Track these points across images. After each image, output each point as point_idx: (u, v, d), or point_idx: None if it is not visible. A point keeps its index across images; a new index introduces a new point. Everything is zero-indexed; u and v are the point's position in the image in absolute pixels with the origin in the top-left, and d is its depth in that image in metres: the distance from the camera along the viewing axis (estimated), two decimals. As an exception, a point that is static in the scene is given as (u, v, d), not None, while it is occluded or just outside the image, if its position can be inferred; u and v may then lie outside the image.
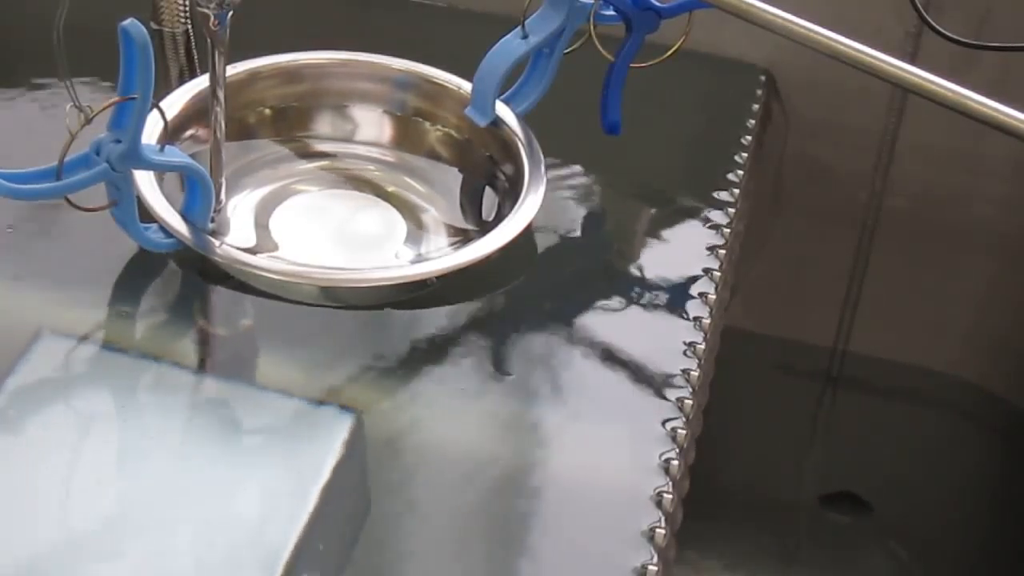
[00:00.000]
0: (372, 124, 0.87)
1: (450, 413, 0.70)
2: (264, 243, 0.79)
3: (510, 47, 0.81)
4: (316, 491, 0.65)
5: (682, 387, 0.73)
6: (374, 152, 0.86)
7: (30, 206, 0.72)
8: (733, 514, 1.11)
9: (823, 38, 0.73)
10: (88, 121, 0.68)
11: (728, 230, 0.84)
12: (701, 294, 0.79)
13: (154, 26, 0.93)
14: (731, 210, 0.86)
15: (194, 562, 0.62)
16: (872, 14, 0.99)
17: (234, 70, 0.81)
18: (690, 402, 0.72)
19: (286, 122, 0.86)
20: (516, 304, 0.77)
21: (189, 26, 0.93)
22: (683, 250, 0.82)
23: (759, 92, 0.99)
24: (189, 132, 0.81)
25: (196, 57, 0.92)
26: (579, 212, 0.84)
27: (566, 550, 0.64)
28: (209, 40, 0.74)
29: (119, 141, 0.69)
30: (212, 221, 0.76)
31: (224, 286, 0.75)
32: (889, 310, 1.14)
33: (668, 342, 0.75)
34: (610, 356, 0.74)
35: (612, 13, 0.82)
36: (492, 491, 0.67)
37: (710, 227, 0.84)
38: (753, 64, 1.01)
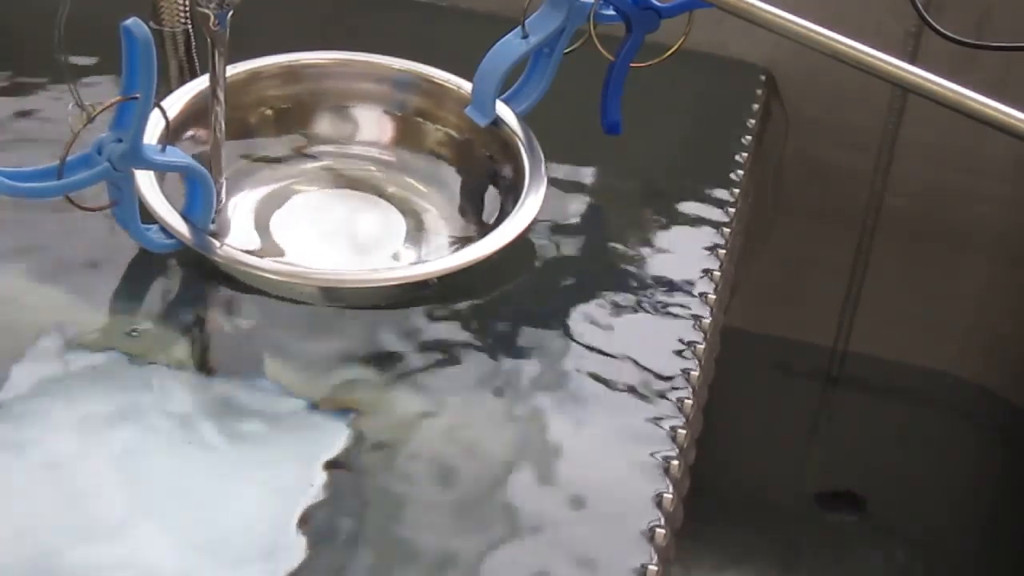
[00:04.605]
0: (372, 124, 0.87)
1: (450, 413, 0.70)
2: (265, 243, 0.79)
3: (510, 47, 0.81)
4: (316, 492, 0.65)
5: (682, 387, 0.73)
6: (374, 152, 0.86)
7: (31, 205, 0.72)
8: (733, 514, 1.11)
9: (823, 38, 0.73)
10: (90, 120, 0.68)
11: (728, 230, 0.84)
12: (701, 294, 0.79)
13: (154, 26, 0.93)
14: (731, 210, 0.86)
15: (192, 564, 0.62)
16: (872, 14, 0.99)
17: (235, 70, 0.81)
18: (690, 402, 0.72)
19: (287, 122, 0.86)
20: (516, 304, 0.77)
21: (189, 26, 0.93)
22: (683, 250, 0.82)
23: (759, 92, 0.99)
24: (189, 132, 0.81)
25: (196, 57, 0.92)
26: (579, 212, 0.84)
27: (566, 550, 0.64)
28: (209, 40, 0.74)
29: (121, 140, 0.69)
30: (213, 222, 0.76)
31: (225, 286, 0.75)
32: (889, 310, 1.14)
33: (668, 342, 0.75)
34: (610, 356, 0.74)
35: (612, 13, 0.82)
36: (491, 491, 0.66)
37: (710, 227, 0.84)
38: (753, 64, 1.01)
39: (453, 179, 0.85)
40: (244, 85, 0.83)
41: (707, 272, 0.80)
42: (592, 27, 0.81)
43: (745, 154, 0.91)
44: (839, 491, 1.15)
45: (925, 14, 0.81)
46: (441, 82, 0.86)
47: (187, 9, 0.93)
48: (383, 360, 0.72)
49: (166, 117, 0.74)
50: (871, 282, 1.13)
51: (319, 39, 0.88)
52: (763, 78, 1.00)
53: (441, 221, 0.82)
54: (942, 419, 1.20)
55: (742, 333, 1.04)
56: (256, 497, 0.65)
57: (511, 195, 0.80)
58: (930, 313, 1.14)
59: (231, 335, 0.73)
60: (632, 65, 0.84)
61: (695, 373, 0.74)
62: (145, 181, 0.75)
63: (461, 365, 0.72)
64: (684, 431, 0.70)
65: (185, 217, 0.74)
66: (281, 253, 0.78)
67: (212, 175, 0.75)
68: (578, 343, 0.75)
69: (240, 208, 0.81)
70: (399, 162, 0.86)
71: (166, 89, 0.82)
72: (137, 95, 0.68)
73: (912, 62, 0.72)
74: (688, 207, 0.86)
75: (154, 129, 0.74)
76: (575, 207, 0.84)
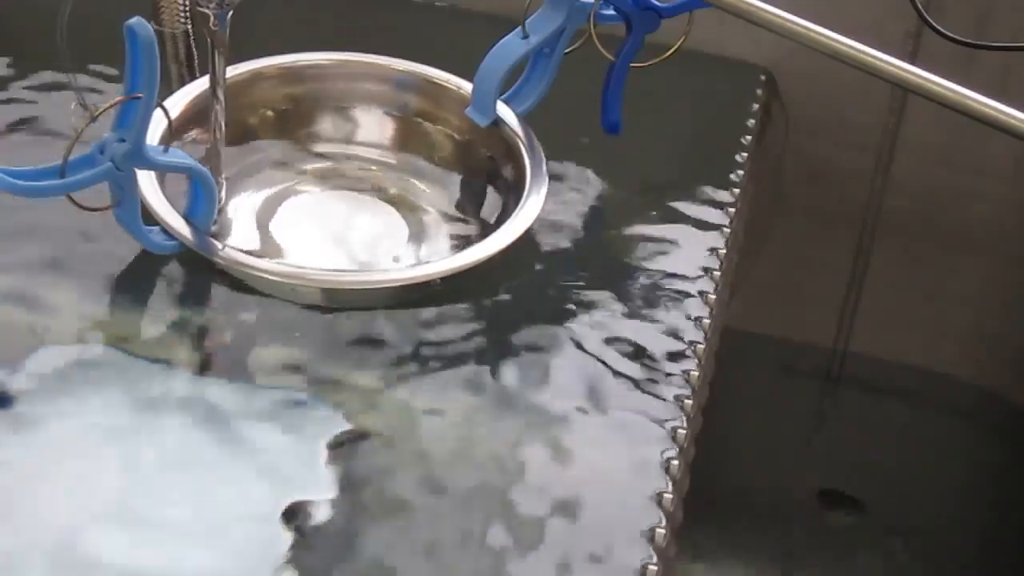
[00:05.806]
0: (373, 125, 0.87)
1: (451, 413, 0.70)
2: (266, 244, 0.79)
3: (510, 47, 0.81)
4: (316, 490, 0.65)
5: (682, 387, 0.73)
6: (375, 153, 0.86)
7: (33, 204, 0.72)
8: (733, 514, 1.11)
9: (823, 38, 0.73)
10: (93, 119, 0.68)
11: (728, 230, 0.84)
12: (701, 294, 0.79)
13: (154, 26, 0.92)
14: (731, 210, 0.86)
15: (192, 562, 0.62)
16: (872, 14, 0.99)
17: (236, 71, 0.81)
18: (690, 402, 0.72)
19: (287, 123, 0.86)
20: (516, 304, 0.77)
21: (189, 26, 0.93)
22: (683, 250, 0.82)
23: (759, 92, 0.99)
24: (190, 133, 0.81)
25: (196, 57, 0.92)
26: (579, 212, 0.84)
27: (566, 550, 0.64)
28: (209, 40, 0.74)
29: (123, 140, 0.69)
30: (214, 223, 0.76)
31: (226, 287, 0.75)
32: (889, 310, 1.14)
33: (669, 341, 0.75)
34: (610, 356, 0.74)
35: (612, 13, 0.82)
36: (492, 491, 0.67)
37: (710, 227, 0.84)
38: (753, 64, 1.01)
39: (454, 179, 0.85)
40: (245, 86, 0.84)
41: (707, 272, 0.80)
42: (592, 27, 0.81)
43: (745, 154, 0.91)
44: (839, 491, 1.15)
45: (925, 14, 0.81)
46: (441, 82, 0.86)
47: (187, 9, 0.93)
48: (384, 361, 0.72)
49: (168, 117, 0.74)
50: (871, 282, 1.13)
51: (319, 39, 0.88)
52: (763, 78, 1.00)
53: (442, 222, 0.82)
54: (942, 419, 1.20)
55: (742, 333, 1.04)
56: (256, 495, 0.65)
57: (512, 195, 0.80)
58: (930, 313, 1.14)
59: (232, 336, 0.73)
60: (632, 65, 0.84)
61: (695, 373, 0.74)
62: (146, 182, 0.75)
63: (462, 365, 0.73)
64: (684, 430, 0.70)
65: (187, 219, 0.75)
66: (282, 254, 0.78)
67: (212, 176, 0.75)
68: (579, 343, 0.75)
69: (241, 209, 0.81)
70: (400, 163, 0.86)
71: (166, 90, 0.82)
72: (140, 95, 0.68)
73: (912, 62, 0.72)
74: (688, 207, 0.86)
75: (156, 129, 0.74)
76: (576, 207, 0.84)
